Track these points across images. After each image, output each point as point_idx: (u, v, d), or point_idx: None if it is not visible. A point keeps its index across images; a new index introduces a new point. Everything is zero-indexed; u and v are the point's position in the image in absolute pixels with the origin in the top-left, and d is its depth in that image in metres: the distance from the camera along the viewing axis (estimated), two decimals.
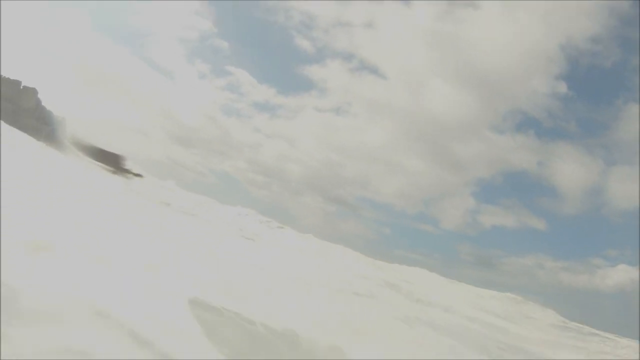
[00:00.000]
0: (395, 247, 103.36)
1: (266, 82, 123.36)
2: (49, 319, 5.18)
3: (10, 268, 5.79)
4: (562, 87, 78.58)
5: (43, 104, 63.21)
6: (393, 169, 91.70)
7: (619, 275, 71.12)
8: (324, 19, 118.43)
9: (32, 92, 62.64)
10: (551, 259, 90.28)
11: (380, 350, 11.26)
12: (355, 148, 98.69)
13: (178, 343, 6.28)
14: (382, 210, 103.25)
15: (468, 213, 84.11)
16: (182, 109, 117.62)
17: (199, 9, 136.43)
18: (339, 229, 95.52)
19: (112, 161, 69.24)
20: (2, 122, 39.23)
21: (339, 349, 9.29)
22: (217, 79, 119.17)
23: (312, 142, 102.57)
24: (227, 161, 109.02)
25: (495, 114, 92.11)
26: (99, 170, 62.14)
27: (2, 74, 59.79)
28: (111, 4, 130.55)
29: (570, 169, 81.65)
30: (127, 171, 70.10)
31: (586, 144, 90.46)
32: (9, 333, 4.51)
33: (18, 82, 61.67)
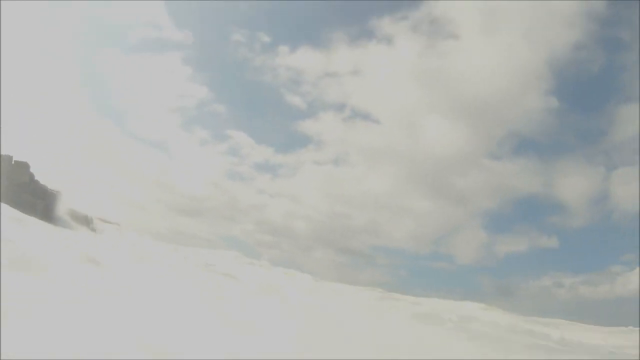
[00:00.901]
0: (414, 287, 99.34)
1: (264, 142, 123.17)
2: None
3: None
4: (554, 102, 79.49)
5: (36, 178, 60.57)
6: (400, 213, 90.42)
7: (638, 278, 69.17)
8: (311, 73, 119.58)
9: (25, 166, 60.18)
10: (570, 275, 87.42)
11: None
12: (359, 197, 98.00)
13: None
14: (396, 254, 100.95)
15: (482, 245, 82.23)
16: (184, 180, 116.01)
17: (193, 75, 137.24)
18: (355, 279, 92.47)
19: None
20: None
21: None
22: (219, 144, 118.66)
23: (316, 197, 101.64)
24: (235, 226, 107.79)
25: (491, 140, 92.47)
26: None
27: None
28: (100, 84, 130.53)
29: (573, 182, 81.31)
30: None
31: (585, 153, 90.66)
32: None
33: (9, 157, 59.28)
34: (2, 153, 58.79)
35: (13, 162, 59.25)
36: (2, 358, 3.45)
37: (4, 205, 33.09)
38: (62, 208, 60.14)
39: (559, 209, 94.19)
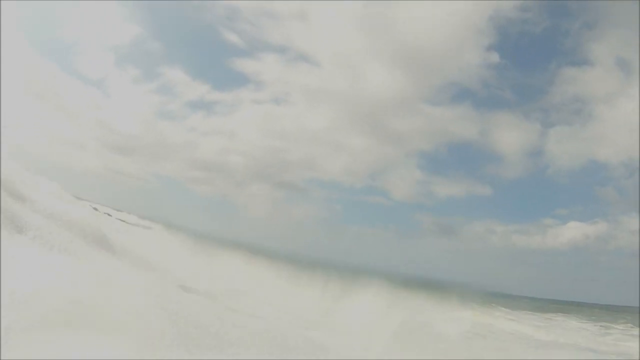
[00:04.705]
0: (350, 222, 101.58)
1: (200, 77, 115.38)
2: None
3: None
4: (494, 57, 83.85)
5: None
6: (336, 148, 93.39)
7: (570, 232, 78.01)
8: (249, 10, 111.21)
9: None
10: (503, 224, 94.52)
11: None
12: (298, 133, 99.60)
13: None
14: (331, 187, 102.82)
15: (418, 184, 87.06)
16: (118, 118, 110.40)
17: (127, 13, 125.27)
18: (289, 213, 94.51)
19: None
20: None
21: None
22: (150, 83, 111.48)
23: (254, 133, 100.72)
24: (167, 164, 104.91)
25: (429, 88, 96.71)
26: None
27: None
28: (37, 16, 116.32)
29: (509, 135, 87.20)
30: None
31: (523, 109, 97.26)
32: None
33: None
34: None
35: None
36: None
37: None
38: None
39: (494, 159, 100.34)
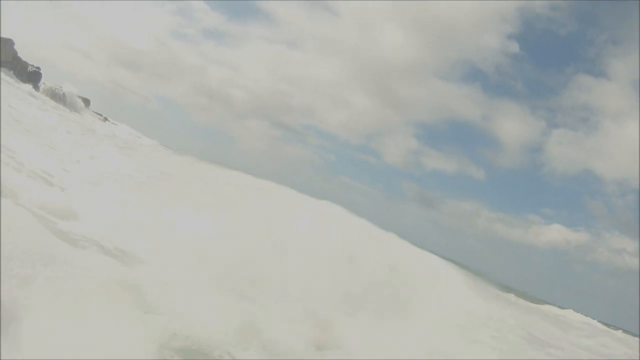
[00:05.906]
0: (340, 173, 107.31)
1: (219, 8, 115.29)
2: None
3: None
4: (514, 47, 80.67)
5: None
6: (340, 103, 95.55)
7: (552, 233, 78.84)
8: None
9: (9, 43, 59.82)
10: (488, 209, 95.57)
11: None
12: (304, 80, 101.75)
13: None
14: (327, 138, 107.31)
15: (410, 153, 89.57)
16: (129, 32, 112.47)
17: None
18: (283, 153, 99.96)
19: None
20: None
21: None
22: (169, 3, 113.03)
23: (261, 71, 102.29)
24: (171, 86, 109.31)
25: (443, 62, 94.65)
26: None
27: None
28: None
29: (513, 125, 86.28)
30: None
31: (531, 104, 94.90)
32: None
33: None
34: None
35: None
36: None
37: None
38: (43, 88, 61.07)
39: (492, 145, 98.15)
